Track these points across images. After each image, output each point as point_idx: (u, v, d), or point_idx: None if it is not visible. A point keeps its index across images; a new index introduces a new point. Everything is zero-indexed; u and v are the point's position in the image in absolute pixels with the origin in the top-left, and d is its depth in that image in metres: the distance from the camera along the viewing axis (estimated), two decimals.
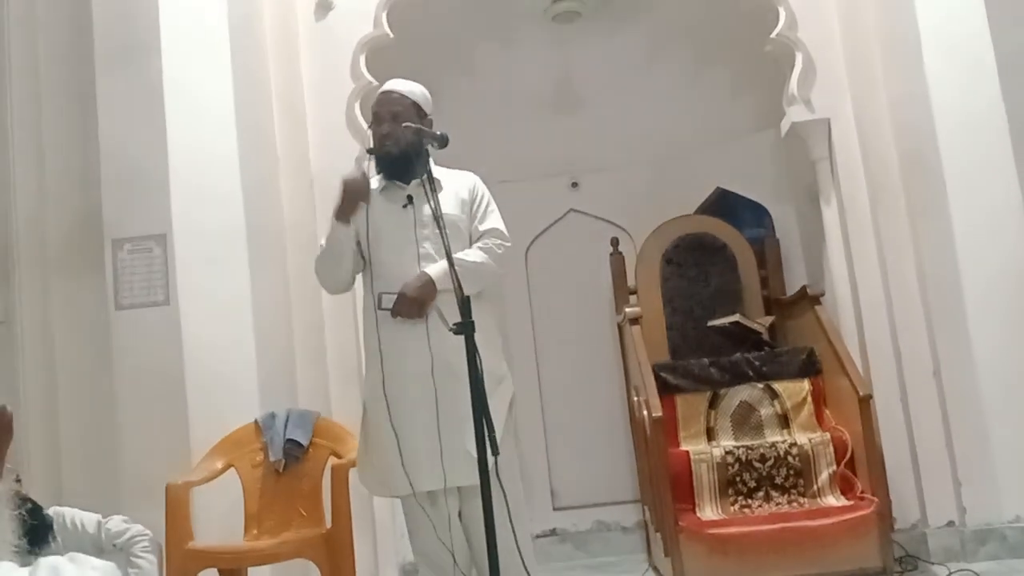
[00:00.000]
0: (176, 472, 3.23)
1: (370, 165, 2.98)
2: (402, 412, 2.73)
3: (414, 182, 2.86)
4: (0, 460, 0.98)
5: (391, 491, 2.83)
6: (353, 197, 2.82)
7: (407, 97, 2.91)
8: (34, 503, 2.65)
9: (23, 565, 1.67)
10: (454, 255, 2.60)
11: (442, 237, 2.53)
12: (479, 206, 2.96)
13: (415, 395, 2.71)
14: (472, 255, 2.84)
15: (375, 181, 2.95)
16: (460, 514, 2.82)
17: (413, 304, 2.74)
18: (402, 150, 2.84)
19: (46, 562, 1.61)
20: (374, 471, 2.86)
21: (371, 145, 2.96)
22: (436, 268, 2.76)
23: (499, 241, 2.91)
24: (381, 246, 2.84)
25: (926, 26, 3.93)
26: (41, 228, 3.83)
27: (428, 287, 2.74)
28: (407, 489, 2.71)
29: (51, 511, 2.75)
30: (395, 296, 2.74)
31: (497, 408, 2.71)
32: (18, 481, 2.69)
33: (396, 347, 2.75)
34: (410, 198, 2.87)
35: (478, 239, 2.91)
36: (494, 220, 2.96)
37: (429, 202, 2.65)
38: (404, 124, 2.85)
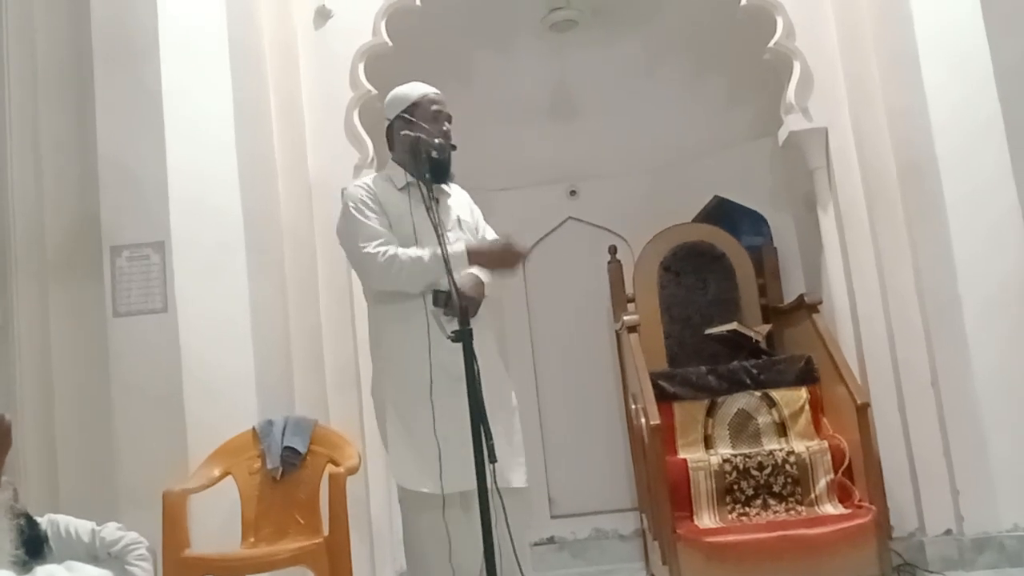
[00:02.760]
0: (173, 479, 3.22)
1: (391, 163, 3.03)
2: (449, 414, 2.65)
3: (435, 186, 2.89)
4: None
5: (423, 486, 2.73)
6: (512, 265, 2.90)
7: None
8: (29, 516, 2.64)
9: (21, 574, 1.66)
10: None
11: (446, 264, 2.57)
12: (478, 215, 3.07)
13: (462, 396, 2.60)
14: None
15: (382, 178, 2.98)
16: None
17: (471, 303, 2.74)
18: (452, 152, 2.92)
19: (44, 570, 1.60)
20: (410, 468, 2.78)
21: (438, 143, 2.86)
22: (483, 271, 2.83)
23: None
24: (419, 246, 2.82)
25: (924, 36, 3.94)
26: (39, 234, 3.82)
27: (481, 287, 2.80)
28: (450, 487, 2.63)
29: (45, 519, 2.74)
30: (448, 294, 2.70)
31: (516, 422, 2.89)
32: (15, 495, 2.69)
33: (445, 348, 2.60)
34: (437, 201, 2.87)
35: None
36: (492, 231, 3.07)
37: (425, 207, 2.74)
38: (403, 132, 2.88)
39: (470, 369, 2.39)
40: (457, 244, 2.82)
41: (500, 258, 2.87)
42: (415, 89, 2.99)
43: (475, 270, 2.80)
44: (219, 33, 3.85)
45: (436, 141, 2.86)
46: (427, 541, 2.75)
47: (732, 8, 4.48)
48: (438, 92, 2.99)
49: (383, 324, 2.92)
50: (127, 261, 3.62)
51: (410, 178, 2.91)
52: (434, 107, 2.94)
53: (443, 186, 2.94)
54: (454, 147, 2.91)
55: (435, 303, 2.71)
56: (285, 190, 4.27)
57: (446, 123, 2.94)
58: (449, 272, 2.56)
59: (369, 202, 2.88)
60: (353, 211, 2.88)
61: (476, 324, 2.75)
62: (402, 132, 2.90)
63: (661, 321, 4.81)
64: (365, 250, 2.81)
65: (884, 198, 4.17)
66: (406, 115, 2.93)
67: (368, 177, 3.03)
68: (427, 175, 2.80)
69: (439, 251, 2.63)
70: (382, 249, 2.79)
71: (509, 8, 5.18)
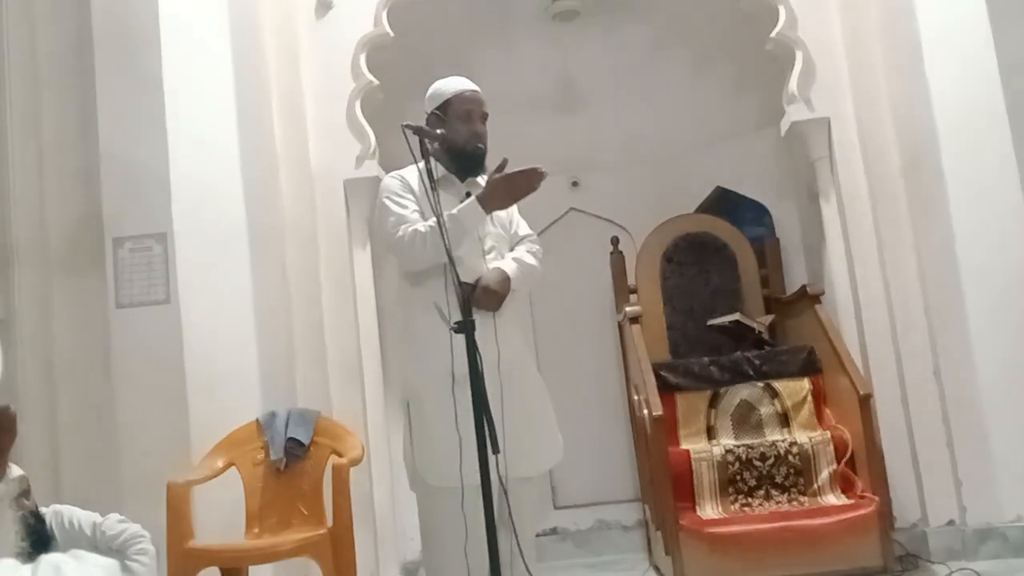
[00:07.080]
0: (177, 471, 3.22)
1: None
2: (469, 407, 2.57)
3: (468, 179, 2.92)
4: (3, 459, 0.97)
5: (446, 481, 2.69)
6: (525, 193, 2.80)
7: None
8: (38, 514, 2.65)
9: (26, 564, 1.66)
10: (514, 256, 2.90)
11: (443, 235, 2.55)
12: (512, 209, 3.03)
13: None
14: (528, 258, 2.95)
15: (419, 169, 2.90)
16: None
17: (494, 297, 2.77)
18: (485, 152, 2.91)
19: (48, 559, 1.60)
20: (432, 462, 2.75)
21: (439, 133, 2.85)
22: (508, 265, 2.86)
23: (538, 247, 3.05)
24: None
25: (927, 25, 3.93)
26: (41, 226, 3.82)
27: (507, 282, 2.81)
28: (470, 479, 2.54)
29: (50, 510, 2.74)
30: (473, 287, 2.72)
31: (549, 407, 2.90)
32: (27, 492, 2.69)
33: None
34: (468, 195, 2.87)
35: (518, 242, 3.01)
36: (526, 225, 3.09)
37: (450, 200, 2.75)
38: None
39: (473, 361, 2.39)
40: (467, 200, 2.79)
41: (518, 183, 2.77)
42: (449, 86, 2.96)
43: (502, 264, 2.84)
44: (220, 24, 3.84)
45: (462, 141, 2.87)
46: (445, 532, 2.73)
47: None
48: (474, 90, 2.96)
49: (410, 308, 2.89)
50: (129, 252, 3.62)
51: (444, 172, 2.91)
52: (466, 107, 2.92)
53: (477, 179, 2.93)
54: (482, 149, 2.90)
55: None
56: (287, 181, 4.27)
57: (479, 122, 2.93)
58: (451, 260, 2.54)
59: (402, 192, 2.88)
60: (386, 201, 2.88)
61: (500, 317, 2.78)
62: (434, 130, 2.87)
63: (663, 312, 4.81)
64: (395, 235, 2.82)
65: (887, 189, 4.17)
66: (439, 112, 2.93)
67: (405, 169, 3.00)
68: (455, 172, 2.88)
69: (454, 211, 2.70)
70: (406, 229, 2.79)
71: None
